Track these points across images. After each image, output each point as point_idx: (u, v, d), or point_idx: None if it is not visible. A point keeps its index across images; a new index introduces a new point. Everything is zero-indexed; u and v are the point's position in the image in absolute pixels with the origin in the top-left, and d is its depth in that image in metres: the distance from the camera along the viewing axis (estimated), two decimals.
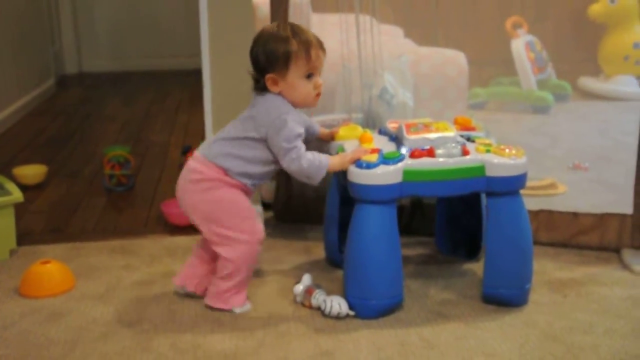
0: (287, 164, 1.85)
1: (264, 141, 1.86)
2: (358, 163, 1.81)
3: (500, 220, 1.87)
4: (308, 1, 2.38)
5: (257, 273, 2.15)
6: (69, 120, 4.34)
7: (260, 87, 1.88)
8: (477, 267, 2.16)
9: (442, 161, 1.82)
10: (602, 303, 1.95)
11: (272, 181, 2.55)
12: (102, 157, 3.08)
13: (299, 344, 1.74)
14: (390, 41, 2.37)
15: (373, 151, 1.85)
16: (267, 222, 2.53)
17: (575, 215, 2.29)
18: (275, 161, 1.88)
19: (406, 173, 1.80)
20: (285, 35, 1.84)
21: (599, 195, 2.31)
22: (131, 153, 3.10)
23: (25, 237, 2.43)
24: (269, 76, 1.85)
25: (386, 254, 1.82)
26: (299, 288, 1.93)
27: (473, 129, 2.03)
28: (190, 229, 2.25)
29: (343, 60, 2.35)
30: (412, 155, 1.83)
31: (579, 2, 2.32)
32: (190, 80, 5.18)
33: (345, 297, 1.87)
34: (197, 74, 2.72)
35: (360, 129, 2.05)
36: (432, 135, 1.88)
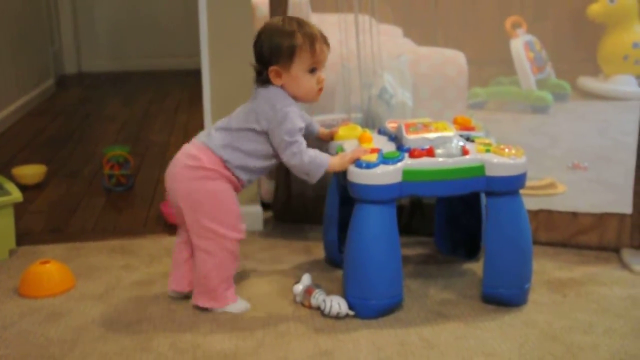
0: (288, 158, 1.84)
1: (264, 134, 1.85)
2: (358, 163, 1.81)
3: (499, 220, 1.87)
4: (307, 1, 2.38)
5: (257, 273, 2.15)
6: (68, 120, 4.34)
7: (263, 80, 1.87)
8: (476, 267, 2.16)
9: (442, 161, 1.82)
10: (601, 303, 1.95)
11: (271, 181, 2.55)
12: (101, 157, 3.08)
13: (299, 343, 1.74)
14: (389, 41, 2.37)
15: (373, 151, 1.85)
16: (266, 222, 2.54)
17: (574, 215, 2.30)
18: (275, 155, 1.88)
19: (406, 173, 1.80)
20: (290, 28, 1.84)
21: (599, 195, 2.31)
22: (130, 153, 3.10)
23: (24, 237, 2.43)
24: (272, 68, 1.84)
25: (386, 253, 1.82)
26: (299, 288, 1.92)
27: (472, 128, 2.03)
28: None
29: (342, 60, 2.35)
30: (412, 155, 1.83)
31: (578, 1, 2.32)
32: (189, 80, 5.19)
33: (345, 297, 1.87)
34: (196, 73, 2.72)
35: (359, 129, 2.05)
36: (432, 135, 1.87)
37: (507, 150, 1.85)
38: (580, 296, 1.99)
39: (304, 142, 1.85)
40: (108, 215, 2.70)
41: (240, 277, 2.10)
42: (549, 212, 2.31)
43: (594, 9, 2.32)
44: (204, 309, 1.90)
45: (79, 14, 5.95)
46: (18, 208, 2.40)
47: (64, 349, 1.73)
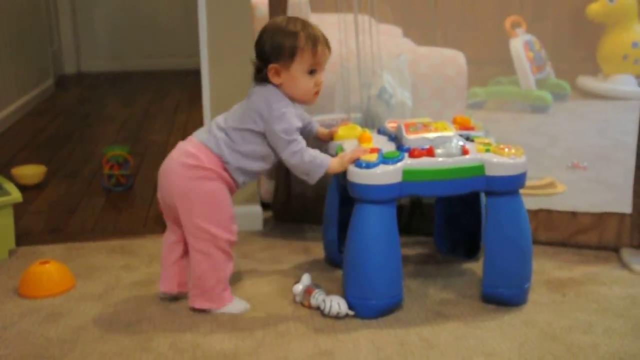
0: (288, 157, 1.84)
1: (262, 135, 1.85)
2: (358, 163, 1.81)
3: (499, 219, 1.87)
4: (307, 1, 2.38)
5: (257, 273, 2.15)
6: (67, 120, 4.33)
7: (261, 77, 1.87)
8: (476, 267, 2.16)
9: (442, 161, 1.82)
10: (601, 302, 1.95)
11: (271, 181, 2.55)
12: (101, 157, 3.08)
13: (299, 343, 1.74)
14: (389, 41, 2.37)
15: (372, 151, 1.84)
16: (266, 222, 2.54)
17: (574, 214, 2.30)
18: (274, 157, 1.87)
19: (406, 173, 1.80)
20: (294, 29, 1.84)
21: (598, 194, 2.31)
22: (130, 153, 3.10)
23: (24, 237, 2.43)
24: (272, 66, 1.84)
25: (386, 253, 1.82)
26: (299, 288, 1.92)
27: (472, 128, 2.03)
28: None
29: (342, 60, 2.35)
30: (412, 154, 1.83)
31: (578, 1, 2.32)
32: (189, 80, 5.19)
33: (345, 296, 1.87)
34: (196, 73, 2.72)
35: (359, 129, 2.05)
36: (432, 135, 1.87)
37: (506, 149, 1.85)
38: (580, 296, 1.99)
39: (303, 141, 1.85)
40: (108, 215, 2.70)
41: (240, 277, 2.11)
42: (549, 212, 2.31)
43: (594, 8, 2.32)
44: (202, 311, 1.90)
45: (78, 14, 5.95)
46: (18, 208, 2.40)
47: (64, 349, 1.73)
